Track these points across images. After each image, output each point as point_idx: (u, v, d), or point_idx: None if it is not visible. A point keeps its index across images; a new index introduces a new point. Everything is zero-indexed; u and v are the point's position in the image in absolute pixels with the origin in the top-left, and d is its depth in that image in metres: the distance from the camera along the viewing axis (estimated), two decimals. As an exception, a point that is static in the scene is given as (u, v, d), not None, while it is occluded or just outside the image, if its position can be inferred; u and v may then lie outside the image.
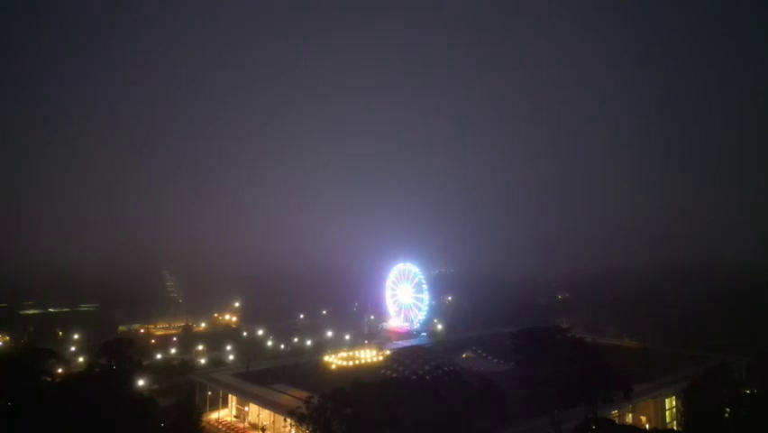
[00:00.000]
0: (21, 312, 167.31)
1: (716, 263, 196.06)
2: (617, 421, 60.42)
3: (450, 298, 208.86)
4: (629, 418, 73.75)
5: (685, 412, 69.13)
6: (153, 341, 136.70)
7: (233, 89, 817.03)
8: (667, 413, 78.11)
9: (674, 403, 78.11)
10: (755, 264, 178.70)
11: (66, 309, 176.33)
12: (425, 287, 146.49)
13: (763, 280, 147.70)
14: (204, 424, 59.48)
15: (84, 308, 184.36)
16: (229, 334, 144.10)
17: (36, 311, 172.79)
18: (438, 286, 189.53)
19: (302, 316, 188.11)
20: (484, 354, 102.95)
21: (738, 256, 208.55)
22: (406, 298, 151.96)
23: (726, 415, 61.03)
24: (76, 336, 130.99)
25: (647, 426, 71.67)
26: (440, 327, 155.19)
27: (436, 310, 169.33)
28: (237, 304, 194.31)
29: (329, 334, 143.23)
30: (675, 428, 72.93)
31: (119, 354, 65.05)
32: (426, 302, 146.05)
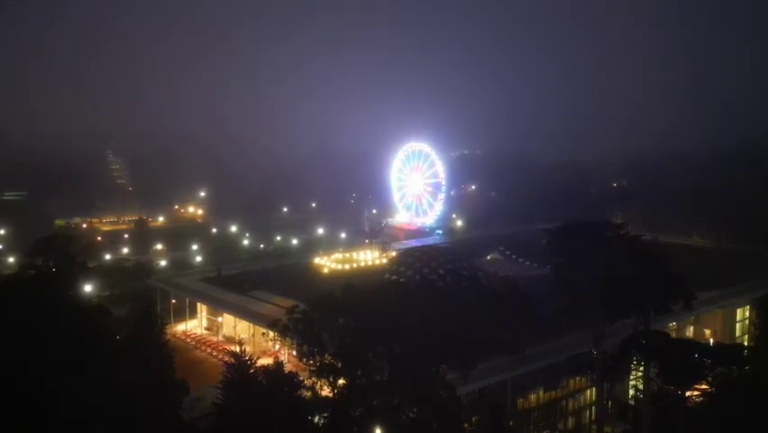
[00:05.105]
0: None
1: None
2: (673, 336, 63.53)
3: (473, 186, 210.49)
4: (690, 331, 77.33)
5: (760, 325, 72.10)
6: (99, 238, 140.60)
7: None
8: (737, 325, 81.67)
9: (747, 314, 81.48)
10: None
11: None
12: (441, 173, 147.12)
13: None
14: (168, 337, 62.64)
15: (8, 196, 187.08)
16: (194, 230, 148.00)
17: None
18: (459, 172, 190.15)
19: (285, 209, 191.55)
20: (514, 256, 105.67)
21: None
22: (417, 186, 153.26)
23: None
24: (0, 231, 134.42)
25: (711, 340, 75.26)
26: (459, 222, 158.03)
27: (456, 202, 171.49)
28: (203, 194, 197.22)
29: (320, 231, 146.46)
30: (746, 342, 76.54)
31: (58, 254, 67.48)
32: (443, 192, 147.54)
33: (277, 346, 64.45)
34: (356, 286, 49.23)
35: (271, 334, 53.22)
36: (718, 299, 78.19)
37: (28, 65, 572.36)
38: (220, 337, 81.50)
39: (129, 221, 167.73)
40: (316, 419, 43.33)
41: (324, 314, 45.10)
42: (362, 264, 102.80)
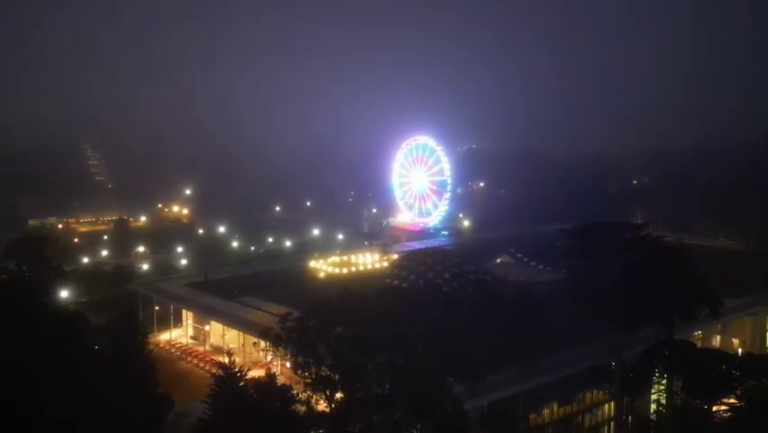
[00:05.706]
0: None
1: None
2: (699, 345, 63.38)
3: (482, 184, 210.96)
4: (717, 340, 77.29)
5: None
6: (76, 240, 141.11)
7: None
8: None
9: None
10: None
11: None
12: (447, 169, 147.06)
13: None
14: (152, 347, 62.66)
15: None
16: (179, 231, 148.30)
17: None
18: (466, 167, 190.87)
19: (278, 209, 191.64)
20: (525, 259, 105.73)
21: None
22: (420, 183, 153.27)
23: None
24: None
25: (740, 350, 75.14)
26: (466, 222, 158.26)
27: (462, 200, 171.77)
28: (189, 192, 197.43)
29: (315, 232, 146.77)
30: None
31: (32, 257, 67.47)
32: (449, 190, 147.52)
33: (269, 357, 64.45)
34: (355, 291, 49.01)
35: (263, 343, 53.04)
36: (748, 306, 78.20)
37: (27, 64, 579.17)
38: (207, 347, 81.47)
39: (108, 221, 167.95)
40: (312, 435, 43.24)
41: (320, 322, 44.95)
42: (361, 268, 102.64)
